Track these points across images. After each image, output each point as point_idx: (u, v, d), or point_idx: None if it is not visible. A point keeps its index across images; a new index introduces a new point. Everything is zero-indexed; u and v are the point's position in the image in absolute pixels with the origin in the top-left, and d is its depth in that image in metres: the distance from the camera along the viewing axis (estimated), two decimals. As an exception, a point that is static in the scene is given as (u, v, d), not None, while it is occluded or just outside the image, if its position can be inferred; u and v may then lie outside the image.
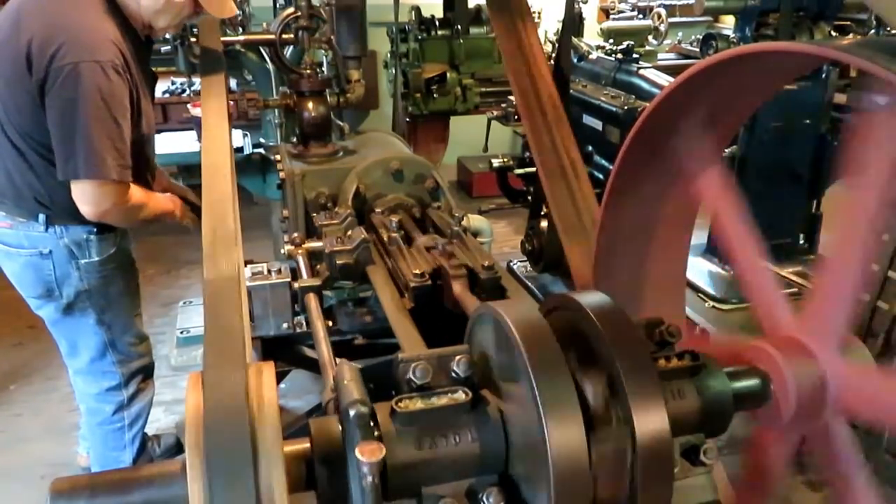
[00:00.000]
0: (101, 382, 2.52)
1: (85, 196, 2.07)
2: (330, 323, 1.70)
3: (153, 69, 2.45)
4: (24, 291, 2.36)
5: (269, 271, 1.94)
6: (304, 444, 0.95)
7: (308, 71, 2.72)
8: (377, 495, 0.85)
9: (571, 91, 3.82)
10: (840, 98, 3.90)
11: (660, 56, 5.96)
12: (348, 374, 0.95)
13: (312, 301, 1.76)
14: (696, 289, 3.51)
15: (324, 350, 1.52)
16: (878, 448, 2.43)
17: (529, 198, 3.94)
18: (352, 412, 0.88)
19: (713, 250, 4.30)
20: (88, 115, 1.97)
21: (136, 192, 2.20)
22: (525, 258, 3.96)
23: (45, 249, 2.24)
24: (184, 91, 5.28)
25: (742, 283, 1.16)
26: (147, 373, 2.66)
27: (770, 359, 1.02)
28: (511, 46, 2.26)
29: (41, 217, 2.19)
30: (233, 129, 2.20)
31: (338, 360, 1.42)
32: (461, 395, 0.93)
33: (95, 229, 2.25)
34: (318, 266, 2.01)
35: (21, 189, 2.17)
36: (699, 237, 4.37)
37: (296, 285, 1.84)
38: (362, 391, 0.92)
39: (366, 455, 0.82)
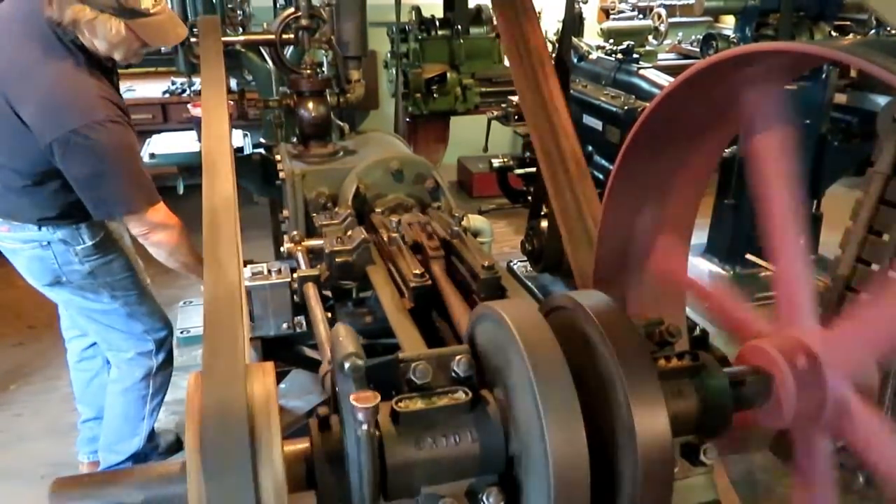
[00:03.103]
0: (135, 347, 2.69)
1: (133, 223, 2.38)
2: (329, 315, 1.71)
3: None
4: (38, 282, 2.52)
5: (269, 271, 1.94)
6: (304, 444, 0.95)
7: (308, 71, 2.72)
8: (374, 445, 0.85)
9: (571, 91, 3.82)
10: (840, 98, 3.90)
11: (660, 56, 5.97)
12: (343, 332, 0.95)
13: (311, 289, 1.78)
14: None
15: (321, 331, 1.53)
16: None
17: (529, 198, 3.94)
18: (346, 364, 0.88)
19: (713, 250, 4.31)
20: (108, 170, 2.22)
21: (174, 219, 2.45)
22: (525, 258, 3.97)
23: (44, 241, 2.40)
24: (184, 91, 5.27)
25: (774, 267, 1.14)
26: (170, 346, 2.82)
27: (774, 364, 1.02)
28: (515, 45, 2.25)
29: (32, 223, 2.38)
30: (233, 129, 2.22)
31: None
32: (461, 395, 0.93)
33: (83, 219, 2.40)
34: (318, 266, 2.01)
35: (10, 208, 2.38)
36: (699, 237, 4.38)
37: (295, 275, 1.86)
38: (357, 345, 0.92)
39: (361, 401, 0.82)
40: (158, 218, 2.38)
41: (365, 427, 0.83)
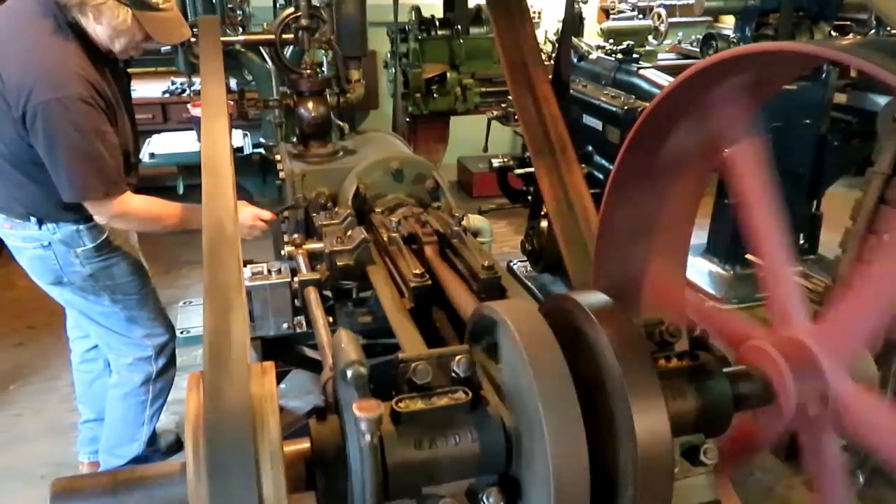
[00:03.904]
0: (134, 352, 2.67)
1: (92, 211, 2.30)
2: (330, 319, 1.71)
3: (128, 70, 2.58)
4: (40, 281, 2.52)
5: (269, 271, 1.94)
6: (304, 444, 0.95)
7: (308, 71, 2.72)
8: (376, 455, 0.85)
9: (571, 91, 3.82)
10: (840, 98, 3.90)
11: (660, 56, 5.96)
12: (345, 338, 0.95)
13: (312, 294, 1.78)
14: (696, 289, 3.51)
15: (322, 335, 1.54)
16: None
17: (529, 198, 3.94)
18: (349, 372, 0.88)
19: (713, 250, 4.31)
20: (66, 148, 2.14)
21: (140, 202, 2.35)
22: (525, 258, 3.97)
23: (45, 242, 2.39)
24: (184, 91, 5.27)
25: (762, 273, 1.16)
26: (172, 351, 2.78)
27: (773, 363, 1.01)
28: (509, 46, 2.26)
29: (32, 219, 2.35)
30: (233, 129, 2.22)
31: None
32: (461, 395, 0.93)
33: (83, 220, 2.37)
34: (318, 266, 2.01)
35: (7, 200, 2.35)
36: (699, 237, 4.38)
37: (296, 279, 1.86)
38: (359, 353, 0.91)
39: (363, 411, 0.82)
40: (118, 209, 2.29)
41: (368, 437, 0.83)
